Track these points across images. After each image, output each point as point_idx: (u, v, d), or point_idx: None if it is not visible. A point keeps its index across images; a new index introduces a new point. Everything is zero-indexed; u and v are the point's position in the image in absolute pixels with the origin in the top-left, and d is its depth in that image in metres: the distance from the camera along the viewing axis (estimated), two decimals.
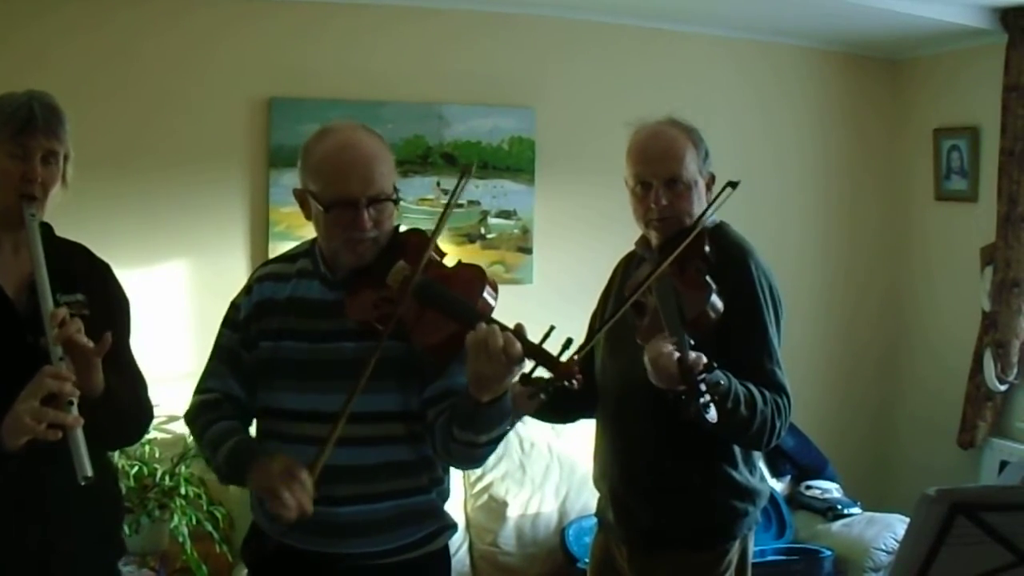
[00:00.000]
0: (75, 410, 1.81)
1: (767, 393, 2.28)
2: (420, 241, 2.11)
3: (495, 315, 1.96)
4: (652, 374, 2.13)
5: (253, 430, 2.23)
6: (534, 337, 1.87)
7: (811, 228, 5.03)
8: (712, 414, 2.01)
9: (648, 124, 2.49)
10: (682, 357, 2.04)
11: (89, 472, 1.79)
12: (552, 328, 1.87)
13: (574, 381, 1.84)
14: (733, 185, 2.40)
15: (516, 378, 1.89)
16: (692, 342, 2.10)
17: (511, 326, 1.88)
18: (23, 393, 1.80)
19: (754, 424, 2.23)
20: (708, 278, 2.29)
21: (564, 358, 1.85)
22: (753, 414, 2.22)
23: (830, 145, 5.05)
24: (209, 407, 2.19)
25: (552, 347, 1.87)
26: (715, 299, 2.25)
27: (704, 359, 2.06)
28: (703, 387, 2.01)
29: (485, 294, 1.99)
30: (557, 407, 2.42)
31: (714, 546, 2.43)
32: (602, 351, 2.56)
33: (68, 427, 1.78)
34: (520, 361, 1.85)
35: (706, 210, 2.42)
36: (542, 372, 1.88)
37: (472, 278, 2.04)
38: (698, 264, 2.33)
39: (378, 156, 2.08)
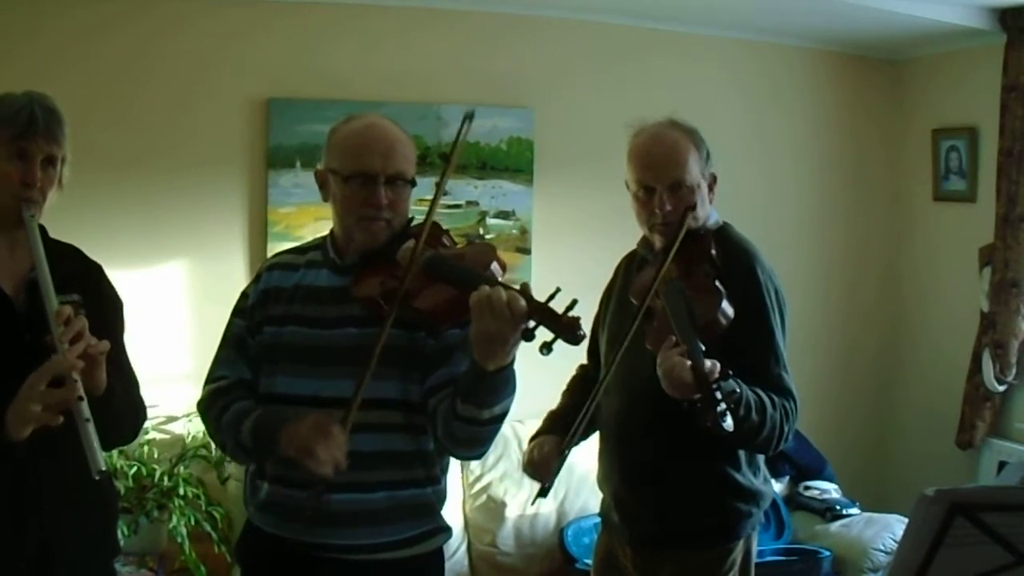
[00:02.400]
0: (87, 409, 1.81)
1: (775, 398, 2.27)
2: (431, 229, 2.11)
3: None
4: (666, 385, 2.11)
5: None
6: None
7: (809, 229, 5.03)
8: (729, 423, 1.99)
9: (648, 127, 2.47)
10: (697, 365, 2.03)
11: (103, 466, 1.80)
12: (558, 289, 1.89)
13: (577, 335, 1.84)
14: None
15: (520, 336, 1.87)
16: (703, 348, 2.09)
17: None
18: (28, 380, 1.80)
19: (764, 430, 2.23)
20: (718, 283, 2.28)
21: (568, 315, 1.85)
22: (763, 420, 2.22)
23: (829, 145, 5.05)
24: (222, 392, 2.19)
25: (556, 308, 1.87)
26: (726, 305, 2.23)
27: (719, 366, 2.05)
28: (719, 395, 2.00)
29: (493, 267, 2.00)
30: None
31: (718, 546, 2.43)
32: (606, 353, 2.56)
33: (72, 404, 1.79)
34: (524, 317, 1.85)
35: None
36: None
37: (481, 253, 2.06)
38: (706, 268, 2.32)
39: (401, 140, 2.16)
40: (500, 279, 1.99)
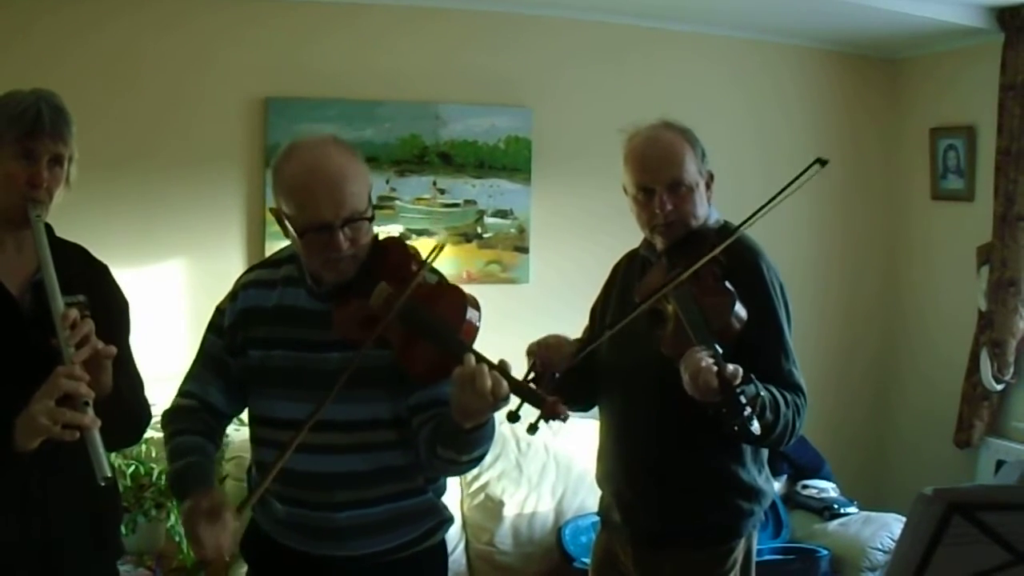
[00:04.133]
0: (91, 411, 1.80)
1: (788, 395, 2.28)
2: (400, 253, 2.09)
3: (481, 336, 1.97)
4: (691, 388, 2.10)
5: (232, 436, 2.23)
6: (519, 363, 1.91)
7: (806, 228, 5.02)
8: (756, 426, 2.00)
9: (642, 129, 2.47)
10: (720, 370, 2.03)
11: (109, 472, 1.79)
12: (535, 362, 1.90)
13: (559, 419, 1.84)
14: (823, 163, 2.30)
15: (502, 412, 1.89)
16: (721, 351, 2.09)
17: (496, 361, 1.87)
18: (38, 393, 1.79)
19: (777, 428, 2.24)
20: (728, 284, 2.27)
21: (550, 398, 1.84)
22: (777, 418, 2.23)
23: (826, 145, 5.02)
24: (184, 414, 2.20)
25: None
26: (739, 308, 2.23)
27: (741, 371, 2.05)
28: (743, 399, 2.00)
29: (468, 316, 1.98)
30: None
31: (720, 544, 2.43)
32: (606, 351, 2.56)
33: (85, 428, 1.77)
34: (506, 400, 1.85)
35: (787, 187, 2.30)
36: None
37: (454, 301, 2.01)
38: (714, 269, 2.31)
39: (347, 175, 2.01)
40: (477, 324, 1.97)
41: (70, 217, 2.13)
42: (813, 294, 4.92)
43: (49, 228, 2.06)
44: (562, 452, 4.16)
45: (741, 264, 2.36)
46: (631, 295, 2.46)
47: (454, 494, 4.01)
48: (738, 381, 2.02)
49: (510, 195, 4.46)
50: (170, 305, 3.98)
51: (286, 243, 2.28)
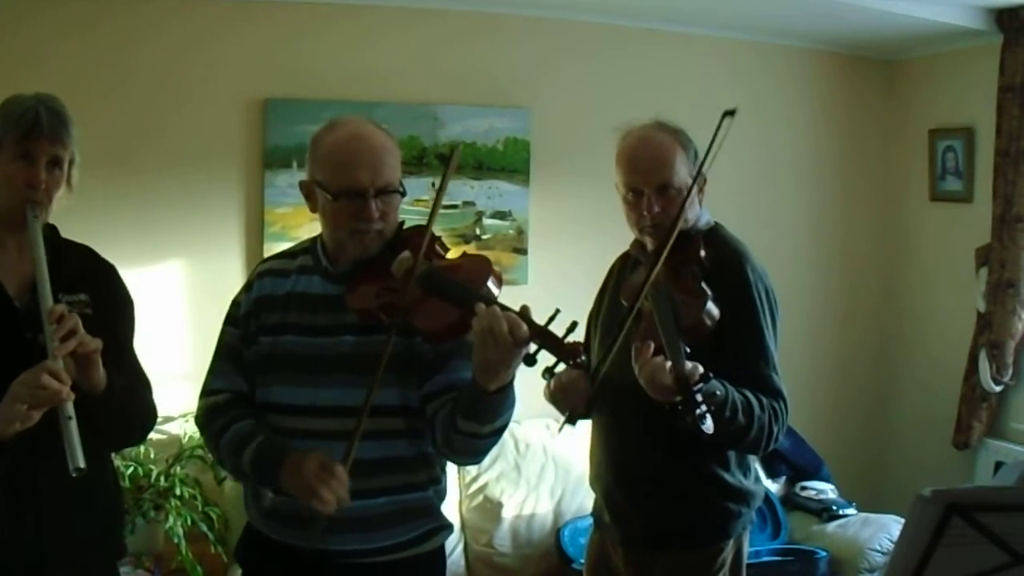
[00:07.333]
0: (71, 407, 1.82)
1: (764, 399, 2.27)
2: (423, 237, 2.10)
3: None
4: (647, 389, 2.12)
5: None
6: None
7: (805, 229, 5.03)
8: (708, 424, 2.00)
9: (635, 129, 2.47)
10: (677, 368, 2.03)
11: (82, 464, 1.80)
12: (557, 311, 1.88)
13: (578, 360, 1.85)
14: (730, 113, 2.34)
15: (521, 360, 1.88)
16: (688, 350, 2.09)
17: (516, 308, 1.88)
18: (17, 380, 1.82)
19: (751, 431, 2.23)
20: (704, 285, 2.28)
21: (569, 340, 1.85)
22: (750, 421, 2.22)
23: (825, 146, 5.05)
24: (220, 410, 2.18)
25: (557, 330, 1.87)
26: (711, 307, 2.24)
27: (700, 369, 2.05)
28: (699, 398, 2.00)
29: (489, 283, 1.99)
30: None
31: (708, 545, 2.43)
32: (597, 353, 2.56)
33: (59, 403, 1.80)
34: (526, 343, 1.85)
35: (706, 154, 2.36)
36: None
37: (477, 267, 2.04)
38: (693, 270, 2.32)
39: (387, 148, 2.11)
40: (497, 293, 1.98)
41: (69, 218, 2.14)
42: (812, 295, 4.93)
43: (54, 229, 2.09)
44: (561, 454, 4.16)
45: (726, 267, 2.36)
46: (618, 296, 2.46)
47: (453, 496, 4.00)
48: (696, 379, 2.02)
49: (509, 196, 4.46)
50: (169, 307, 3.98)
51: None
